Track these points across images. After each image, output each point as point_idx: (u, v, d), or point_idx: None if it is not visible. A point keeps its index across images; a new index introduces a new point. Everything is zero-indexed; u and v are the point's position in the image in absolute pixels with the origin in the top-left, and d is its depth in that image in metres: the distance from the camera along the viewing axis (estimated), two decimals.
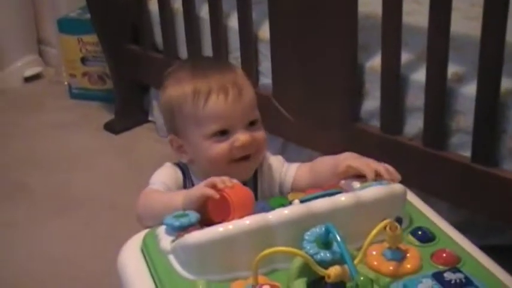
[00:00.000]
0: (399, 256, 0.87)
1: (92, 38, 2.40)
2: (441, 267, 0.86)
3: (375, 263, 0.87)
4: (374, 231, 0.84)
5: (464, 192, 1.43)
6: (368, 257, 0.87)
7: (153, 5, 2.11)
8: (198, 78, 1.06)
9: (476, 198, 1.41)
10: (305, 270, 0.81)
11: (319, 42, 1.60)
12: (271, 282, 0.82)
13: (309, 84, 1.66)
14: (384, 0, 1.43)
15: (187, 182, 1.12)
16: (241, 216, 0.89)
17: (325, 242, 0.82)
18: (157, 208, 1.01)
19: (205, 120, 1.05)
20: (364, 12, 1.59)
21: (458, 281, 0.81)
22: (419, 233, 0.94)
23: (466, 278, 0.82)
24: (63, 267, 1.67)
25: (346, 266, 0.79)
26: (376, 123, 1.57)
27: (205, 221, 0.93)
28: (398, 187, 0.95)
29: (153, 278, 0.90)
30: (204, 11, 1.94)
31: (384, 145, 1.54)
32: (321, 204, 0.89)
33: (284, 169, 1.14)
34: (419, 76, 1.47)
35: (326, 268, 0.79)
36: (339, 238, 0.80)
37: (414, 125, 1.50)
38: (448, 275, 0.82)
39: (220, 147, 1.05)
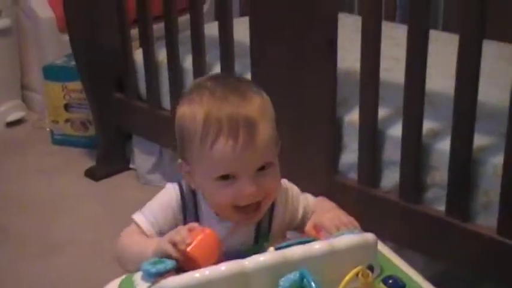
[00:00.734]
0: None
1: (76, 85, 2.43)
2: None
3: None
4: (347, 278, 0.86)
5: (440, 246, 1.45)
6: None
7: (138, 55, 2.15)
8: (213, 107, 0.97)
9: (451, 251, 1.44)
10: None
11: (299, 96, 1.64)
12: None
13: (288, 136, 1.69)
14: (362, 56, 1.48)
15: (189, 208, 1.07)
16: (211, 264, 0.90)
17: None
18: (134, 253, 1.02)
19: (210, 162, 0.98)
20: (343, 68, 1.64)
21: None
22: (390, 281, 0.96)
23: None
24: None
25: None
26: (354, 175, 1.60)
27: (182, 268, 0.94)
28: (369, 236, 0.97)
29: None
30: (187, 62, 1.99)
31: (361, 197, 1.57)
32: (296, 251, 0.91)
33: (306, 202, 1.13)
34: (396, 131, 1.51)
35: None
36: (313, 284, 0.82)
37: (391, 178, 1.54)
38: None
39: (224, 194, 0.99)
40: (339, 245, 0.93)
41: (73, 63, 2.34)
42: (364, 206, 1.57)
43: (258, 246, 1.05)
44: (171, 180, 1.11)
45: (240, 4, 2.53)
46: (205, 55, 1.89)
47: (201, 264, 0.92)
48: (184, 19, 2.01)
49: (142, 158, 2.27)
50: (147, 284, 0.93)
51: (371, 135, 1.52)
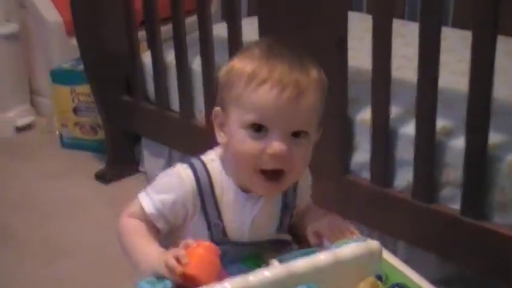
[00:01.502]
0: None
1: (84, 88, 2.43)
2: None
3: None
4: None
5: (454, 246, 1.44)
6: None
7: (146, 57, 2.14)
8: (266, 61, 0.94)
9: (465, 251, 1.42)
10: None
11: None
12: None
13: None
14: (373, 56, 1.47)
15: (203, 188, 1.00)
16: (213, 278, 0.89)
17: None
18: (127, 249, 1.01)
19: (248, 105, 0.93)
20: (354, 67, 1.62)
21: None
22: None
23: None
24: None
25: None
26: (366, 175, 1.58)
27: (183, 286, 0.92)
28: (374, 244, 0.95)
29: None
30: (196, 63, 1.98)
31: (373, 197, 1.56)
32: (301, 264, 0.89)
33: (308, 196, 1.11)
34: (408, 130, 1.49)
35: None
36: None
37: (404, 177, 1.52)
38: None
39: (252, 145, 0.94)
40: (344, 255, 0.92)
41: (81, 66, 2.33)
42: (376, 205, 1.56)
43: (258, 258, 1.02)
44: None
45: (247, 4, 2.51)
46: (214, 56, 1.88)
47: (202, 281, 0.89)
48: (192, 20, 2.00)
49: (151, 161, 2.26)
50: None
51: (383, 134, 1.51)
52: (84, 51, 2.22)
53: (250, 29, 1.79)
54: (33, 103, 2.85)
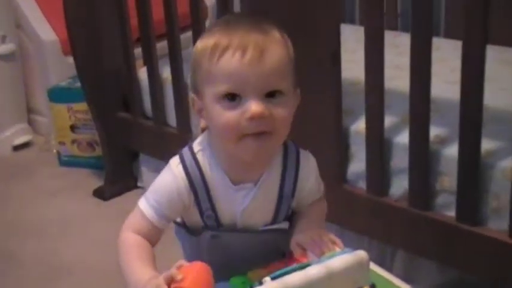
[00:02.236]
0: None
1: (81, 106, 2.44)
2: None
3: None
4: None
5: (451, 252, 1.45)
6: None
7: (143, 74, 2.16)
8: (224, 32, 0.94)
9: (462, 257, 1.43)
10: None
11: (305, 107, 1.64)
12: None
13: None
14: (366, 67, 1.49)
15: (198, 184, 1.01)
16: None
17: None
18: (122, 267, 1.01)
19: (216, 77, 0.93)
20: (348, 79, 1.64)
21: None
22: None
23: None
24: None
25: None
26: (362, 184, 1.60)
27: None
28: (362, 254, 0.95)
29: None
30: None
31: (370, 206, 1.57)
32: (294, 279, 0.89)
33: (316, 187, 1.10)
34: (403, 139, 1.51)
35: None
36: None
37: (400, 186, 1.54)
38: None
39: (230, 115, 0.93)
40: (335, 267, 0.92)
41: (78, 84, 2.35)
42: (373, 214, 1.58)
43: (244, 277, 1.00)
44: None
45: None
46: None
47: None
48: (187, 36, 2.02)
49: (150, 176, 2.28)
50: None
51: (378, 144, 1.53)
52: (81, 69, 2.24)
53: None
54: (30, 122, 2.87)
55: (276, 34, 0.96)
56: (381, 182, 1.55)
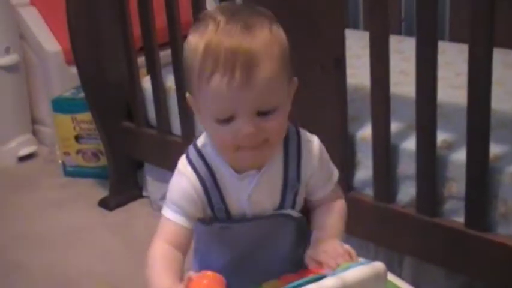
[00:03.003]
0: None
1: (85, 116, 2.44)
2: None
3: None
4: None
5: (460, 258, 1.43)
6: None
7: (146, 83, 2.15)
8: (213, 39, 0.91)
9: (472, 263, 1.42)
10: None
11: (310, 113, 1.63)
12: None
13: None
14: (371, 73, 1.48)
15: (209, 183, 1.02)
16: None
17: None
18: (146, 277, 0.99)
19: (207, 101, 0.94)
20: (353, 85, 1.63)
21: None
22: None
23: None
24: None
25: None
26: (369, 191, 1.58)
27: None
28: (379, 265, 0.94)
29: None
30: None
31: (378, 213, 1.56)
32: None
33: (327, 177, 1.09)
34: (409, 145, 1.50)
35: None
36: None
37: (407, 192, 1.52)
38: None
39: (224, 134, 0.94)
40: (351, 279, 0.90)
41: (81, 94, 2.35)
42: (381, 221, 1.56)
43: None
44: None
45: None
46: None
47: None
48: None
49: (155, 185, 2.27)
50: None
51: (384, 151, 1.51)
52: (84, 79, 2.24)
53: None
54: (35, 132, 2.87)
55: (267, 37, 0.93)
56: (388, 189, 1.54)
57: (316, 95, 1.61)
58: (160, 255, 1.01)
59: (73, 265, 2.01)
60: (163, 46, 2.07)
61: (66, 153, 2.58)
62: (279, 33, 0.97)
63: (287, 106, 0.98)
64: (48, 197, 2.45)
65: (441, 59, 1.40)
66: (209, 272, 0.92)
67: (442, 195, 1.46)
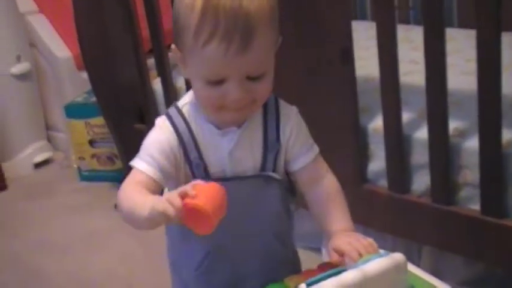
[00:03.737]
0: None
1: (98, 120, 2.46)
2: None
3: None
4: None
5: (477, 245, 1.43)
6: None
7: (157, 84, 2.16)
8: (208, 12, 0.91)
9: (489, 250, 1.41)
10: None
11: (320, 107, 1.64)
12: None
13: None
14: (380, 63, 1.47)
15: (186, 139, 1.02)
16: (220, 216, 0.87)
17: None
18: (126, 206, 0.97)
19: (200, 61, 0.94)
20: (363, 76, 1.63)
21: None
22: None
23: None
24: None
25: None
26: (383, 183, 1.58)
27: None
28: (399, 257, 0.94)
29: None
30: None
31: (393, 204, 1.55)
32: (330, 284, 0.88)
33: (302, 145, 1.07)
34: (422, 134, 1.49)
35: None
36: None
37: (421, 182, 1.52)
38: None
39: (210, 94, 0.96)
40: (372, 271, 0.91)
41: (93, 99, 2.36)
42: (396, 212, 1.56)
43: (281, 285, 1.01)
44: None
45: None
46: None
47: (210, 216, 0.86)
48: None
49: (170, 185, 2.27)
50: None
51: (397, 141, 1.51)
52: (95, 83, 2.25)
53: None
54: (49, 139, 2.89)
55: (265, 4, 0.93)
56: (402, 179, 1.53)
57: (325, 88, 1.61)
58: (133, 189, 0.99)
59: (92, 269, 2.02)
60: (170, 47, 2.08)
61: (81, 158, 2.60)
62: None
63: (273, 67, 0.99)
64: (65, 203, 2.47)
65: (450, 46, 1.39)
66: (213, 183, 0.91)
67: (457, 183, 1.45)
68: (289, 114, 1.07)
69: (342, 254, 1.00)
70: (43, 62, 2.78)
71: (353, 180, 1.61)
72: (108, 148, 2.53)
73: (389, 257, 0.93)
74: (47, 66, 2.77)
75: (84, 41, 2.19)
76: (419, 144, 1.50)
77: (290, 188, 1.12)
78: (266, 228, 1.08)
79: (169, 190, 1.06)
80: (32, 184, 2.67)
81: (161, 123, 1.04)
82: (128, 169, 2.50)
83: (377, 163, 1.59)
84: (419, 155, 1.50)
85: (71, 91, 2.67)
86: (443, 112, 1.40)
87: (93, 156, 2.57)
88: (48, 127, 2.89)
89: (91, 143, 2.56)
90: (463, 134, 1.45)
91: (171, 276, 1.17)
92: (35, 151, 2.79)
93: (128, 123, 2.26)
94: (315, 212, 1.10)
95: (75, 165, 2.66)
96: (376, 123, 1.58)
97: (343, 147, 1.62)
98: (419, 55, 1.45)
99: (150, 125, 2.18)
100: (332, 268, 0.97)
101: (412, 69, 1.67)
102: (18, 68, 2.66)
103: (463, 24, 2.15)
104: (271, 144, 1.06)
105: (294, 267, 1.13)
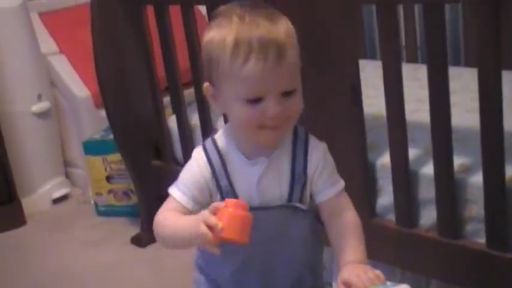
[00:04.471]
0: None
1: (115, 156, 2.51)
2: None
3: None
4: None
5: (483, 278, 1.45)
6: None
7: (172, 122, 2.22)
8: (243, 31, 1.01)
9: (494, 283, 1.43)
10: None
11: (329, 144, 1.67)
12: None
13: None
14: (387, 101, 1.52)
15: (217, 168, 1.11)
16: (246, 235, 0.98)
17: None
18: (167, 233, 1.10)
19: (238, 81, 1.02)
20: (371, 114, 1.67)
21: None
22: None
23: None
24: None
25: None
26: (391, 217, 1.61)
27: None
28: None
29: None
30: (220, 123, 2.04)
31: (400, 238, 1.58)
32: None
33: (327, 178, 1.14)
34: (428, 170, 1.52)
35: None
36: None
37: (429, 216, 1.55)
38: None
39: (250, 113, 1.03)
40: None
41: (111, 136, 2.42)
42: (404, 246, 1.58)
43: None
44: None
45: None
46: None
47: (239, 241, 0.98)
48: None
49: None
50: None
51: (404, 177, 1.55)
52: (113, 120, 2.31)
53: None
54: (67, 175, 2.94)
55: (286, 25, 1.05)
56: (410, 214, 1.57)
57: (334, 124, 1.65)
58: (168, 213, 1.12)
59: None
60: (187, 85, 2.14)
61: (99, 194, 2.65)
62: (291, 24, 1.07)
63: (301, 86, 1.08)
64: (82, 237, 2.51)
65: (456, 84, 1.43)
66: (232, 200, 1.02)
67: (463, 217, 1.48)
68: (318, 148, 1.15)
69: (349, 285, 1.04)
70: (62, 101, 2.85)
71: (362, 214, 1.63)
72: (124, 184, 2.58)
73: None
74: (66, 105, 2.84)
75: (102, 80, 2.26)
76: (426, 179, 1.54)
77: (319, 219, 1.17)
78: (295, 257, 1.15)
79: None
80: (50, 219, 2.72)
81: (197, 155, 1.14)
82: (143, 203, 2.54)
83: (385, 198, 1.63)
84: (426, 190, 1.54)
85: (89, 129, 2.73)
86: (448, 149, 1.44)
87: (110, 191, 2.62)
88: (66, 164, 2.95)
89: (108, 178, 2.61)
90: (468, 170, 1.49)
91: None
92: (54, 187, 2.84)
93: (144, 159, 2.32)
94: (333, 245, 1.15)
95: (92, 201, 2.71)
96: (384, 159, 1.62)
97: (352, 182, 1.65)
98: (426, 93, 1.49)
99: (166, 161, 2.25)
100: None
101: (419, 108, 1.72)
102: (38, 107, 2.72)
103: (469, 63, 2.19)
104: (298, 175, 1.12)
105: None
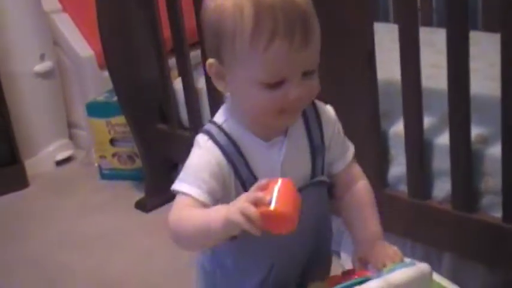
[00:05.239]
0: None
1: (119, 119, 2.46)
2: None
3: None
4: None
5: (498, 253, 1.41)
6: None
7: (178, 84, 2.16)
8: (262, 8, 0.87)
9: (510, 258, 1.39)
10: None
11: (341, 110, 1.62)
12: None
13: None
14: (402, 66, 1.46)
15: (234, 157, 0.97)
16: (297, 212, 0.84)
17: None
18: (191, 232, 0.93)
19: (260, 64, 0.89)
20: (384, 79, 1.61)
21: None
22: None
23: None
24: None
25: None
26: (404, 188, 1.57)
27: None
28: (424, 267, 0.93)
29: None
30: None
31: (413, 210, 1.54)
32: None
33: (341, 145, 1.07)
34: (443, 140, 1.47)
35: None
36: None
37: (442, 188, 1.50)
38: None
39: (270, 99, 0.91)
40: (395, 281, 0.90)
41: (115, 98, 2.37)
42: (416, 218, 1.54)
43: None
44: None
45: None
46: None
47: (292, 216, 0.84)
48: None
49: None
50: None
51: (418, 146, 1.49)
52: (117, 82, 2.26)
53: None
54: (71, 136, 2.91)
55: (309, 1, 0.92)
56: (423, 185, 1.52)
57: (346, 90, 1.59)
58: (187, 211, 0.95)
59: (114, 267, 2.03)
60: (192, 46, 2.07)
61: (102, 157, 2.61)
62: None
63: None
64: (86, 200, 2.48)
65: (474, 50, 1.37)
66: (277, 178, 0.88)
67: (479, 190, 1.44)
68: (329, 114, 1.07)
69: (366, 262, 0.99)
70: (66, 61, 2.79)
71: (373, 184, 1.58)
72: (128, 147, 2.54)
73: (414, 267, 0.93)
74: (70, 65, 2.79)
75: (106, 40, 2.20)
76: (441, 149, 1.48)
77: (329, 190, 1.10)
78: (312, 229, 1.05)
79: None
80: (53, 181, 2.69)
81: (202, 143, 0.98)
82: (148, 168, 2.51)
83: (397, 168, 1.58)
84: (441, 161, 1.49)
85: (93, 90, 2.69)
86: (466, 118, 1.38)
87: (113, 155, 2.58)
88: (70, 125, 2.91)
89: (112, 141, 2.57)
90: (485, 141, 1.43)
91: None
92: (57, 149, 2.80)
93: (148, 123, 2.27)
94: (345, 216, 1.09)
95: (96, 164, 2.68)
96: (397, 128, 1.57)
97: (363, 151, 1.60)
98: (442, 59, 1.43)
99: (171, 125, 2.21)
100: (356, 277, 0.96)
101: (434, 74, 1.65)
102: (42, 67, 2.67)
103: (487, 28, 2.12)
104: (317, 147, 1.04)
105: (326, 271, 1.12)
